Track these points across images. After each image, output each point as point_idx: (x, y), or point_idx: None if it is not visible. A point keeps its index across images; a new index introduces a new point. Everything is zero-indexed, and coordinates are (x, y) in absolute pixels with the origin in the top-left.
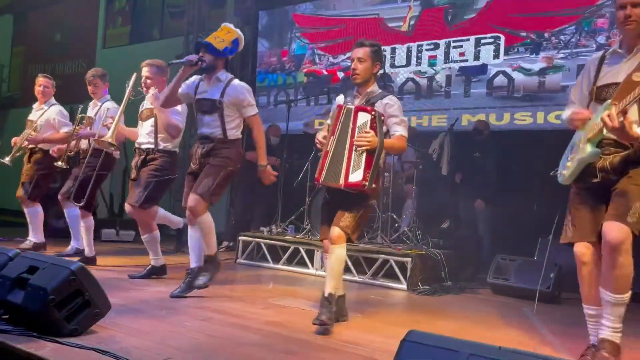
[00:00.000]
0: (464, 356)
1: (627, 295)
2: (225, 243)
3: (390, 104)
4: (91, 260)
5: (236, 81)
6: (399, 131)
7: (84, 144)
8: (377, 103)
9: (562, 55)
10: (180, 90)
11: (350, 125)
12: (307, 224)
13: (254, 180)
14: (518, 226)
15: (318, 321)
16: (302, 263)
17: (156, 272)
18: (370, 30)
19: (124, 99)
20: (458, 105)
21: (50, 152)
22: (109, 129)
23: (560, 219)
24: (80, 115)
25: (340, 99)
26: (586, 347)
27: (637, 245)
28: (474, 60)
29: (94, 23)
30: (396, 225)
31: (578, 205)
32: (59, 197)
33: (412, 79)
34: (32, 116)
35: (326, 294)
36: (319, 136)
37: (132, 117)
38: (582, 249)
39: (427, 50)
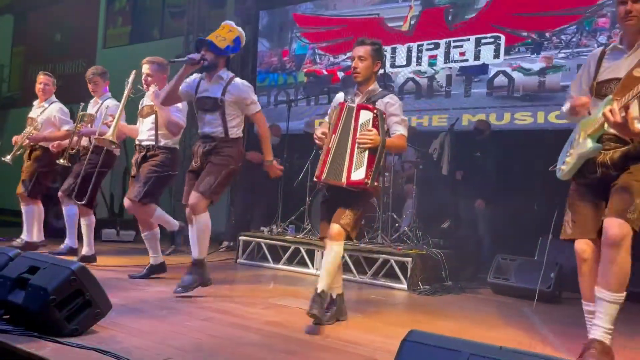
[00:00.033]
0: (464, 356)
1: (623, 296)
2: (225, 243)
3: (391, 103)
4: (91, 259)
5: (237, 79)
6: (400, 130)
7: (85, 141)
8: (378, 102)
9: (563, 55)
10: (180, 88)
11: (352, 123)
12: (308, 224)
13: (254, 180)
14: (518, 226)
15: (310, 313)
16: (302, 263)
17: (156, 271)
18: (370, 30)
19: (124, 97)
20: (458, 105)
21: (50, 148)
22: (109, 127)
23: (559, 217)
24: (81, 113)
25: (340, 96)
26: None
27: (634, 244)
28: (474, 60)
29: (94, 23)
30: (396, 225)
31: (577, 202)
32: (60, 194)
33: (413, 79)
34: (33, 114)
35: (319, 290)
36: (318, 132)
37: (132, 114)
38: (583, 246)
39: (427, 50)
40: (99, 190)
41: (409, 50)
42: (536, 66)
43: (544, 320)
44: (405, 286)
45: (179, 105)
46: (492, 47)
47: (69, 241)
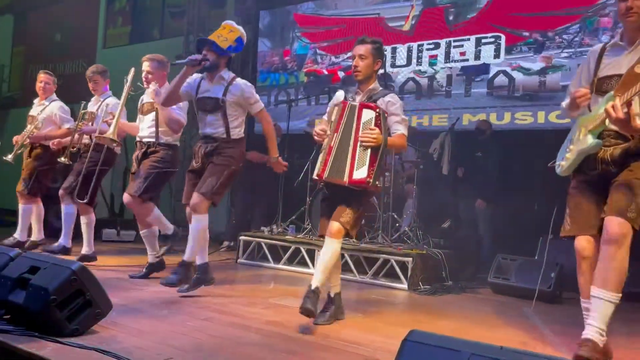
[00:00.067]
0: (465, 356)
1: (619, 296)
2: (226, 243)
3: (392, 102)
4: (91, 258)
5: (239, 80)
6: (400, 130)
7: (86, 139)
8: (379, 100)
9: (565, 55)
10: (181, 88)
11: (355, 121)
12: (308, 224)
13: (254, 180)
14: (519, 226)
15: (303, 307)
16: (303, 263)
17: (155, 269)
18: (370, 29)
19: (123, 95)
20: (459, 104)
21: (50, 146)
22: (109, 125)
23: (558, 216)
24: (82, 111)
25: (340, 94)
26: None
27: (635, 245)
28: (475, 60)
29: (95, 23)
30: (397, 225)
31: (577, 198)
32: (60, 192)
33: (413, 79)
34: (33, 112)
35: (313, 287)
36: (317, 129)
37: (133, 111)
38: (583, 244)
39: (427, 49)
40: (99, 189)
41: (409, 50)
42: (536, 66)
43: (545, 320)
44: (405, 286)
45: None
46: (493, 46)
47: (63, 240)
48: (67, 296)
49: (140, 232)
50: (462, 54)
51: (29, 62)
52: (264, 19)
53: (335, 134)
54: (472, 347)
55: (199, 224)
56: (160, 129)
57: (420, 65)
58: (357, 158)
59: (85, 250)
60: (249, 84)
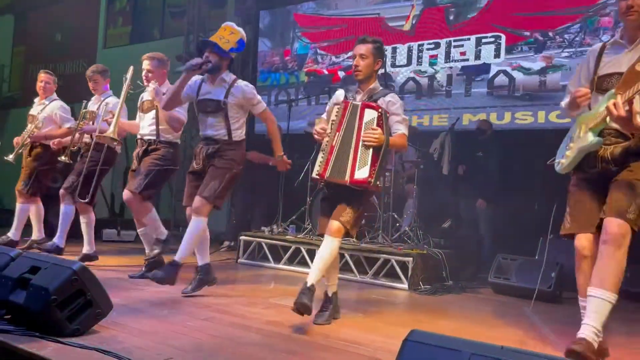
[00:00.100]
0: (466, 356)
1: (616, 297)
2: (226, 243)
3: (392, 102)
4: (92, 257)
5: (240, 81)
6: (401, 130)
7: (87, 138)
8: (380, 100)
9: (566, 54)
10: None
11: (357, 121)
12: (308, 224)
13: (255, 180)
14: (519, 226)
15: (299, 303)
16: (303, 263)
17: (153, 267)
18: (371, 29)
19: (123, 93)
20: (459, 104)
21: (51, 145)
22: (109, 124)
23: (557, 215)
24: (84, 111)
25: (339, 93)
26: None
27: (635, 245)
28: (475, 59)
29: (95, 23)
30: (397, 224)
31: (577, 196)
32: (61, 191)
33: (413, 79)
34: (34, 111)
35: (309, 284)
36: (317, 127)
37: (132, 110)
38: (583, 243)
39: (427, 49)
40: (99, 189)
41: (410, 50)
42: (536, 65)
43: (545, 320)
44: (406, 286)
45: None
46: (493, 46)
47: (57, 240)
48: (67, 296)
49: (138, 231)
50: (463, 53)
51: (30, 62)
52: (264, 19)
53: (337, 133)
54: (473, 346)
55: (197, 225)
56: (160, 127)
57: (421, 65)
58: (358, 158)
59: (86, 249)
60: (250, 85)
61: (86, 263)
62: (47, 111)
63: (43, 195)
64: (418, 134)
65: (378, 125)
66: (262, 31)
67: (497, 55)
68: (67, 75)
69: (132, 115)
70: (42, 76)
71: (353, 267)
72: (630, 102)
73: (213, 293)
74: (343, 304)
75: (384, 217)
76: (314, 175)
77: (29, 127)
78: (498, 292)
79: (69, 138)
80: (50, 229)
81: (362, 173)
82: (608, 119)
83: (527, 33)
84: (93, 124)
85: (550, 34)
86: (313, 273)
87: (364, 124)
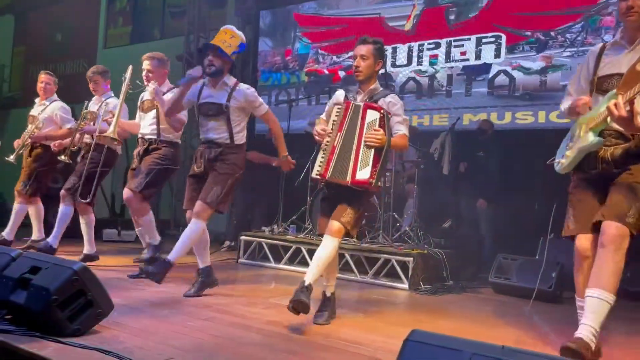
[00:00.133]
0: (467, 355)
1: (614, 298)
2: (227, 243)
3: (393, 103)
4: (93, 257)
5: (242, 85)
6: (402, 130)
7: (87, 138)
8: (380, 101)
9: (568, 54)
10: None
11: (359, 122)
12: (309, 224)
13: (255, 180)
14: (519, 225)
15: (296, 301)
16: (303, 263)
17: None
18: (371, 29)
19: (122, 93)
20: (459, 104)
21: (52, 147)
22: (109, 124)
23: (557, 214)
24: (84, 111)
25: (340, 93)
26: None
27: (636, 246)
28: (475, 59)
29: (95, 23)
30: (398, 224)
31: (579, 196)
32: (62, 192)
33: (413, 78)
34: (34, 111)
35: (306, 283)
36: (318, 128)
37: (132, 109)
38: (585, 244)
39: (428, 49)
40: (99, 189)
41: (410, 50)
42: (536, 65)
43: (545, 320)
44: (406, 286)
45: None
46: (493, 46)
47: (51, 240)
48: (68, 296)
49: (136, 230)
50: (463, 53)
51: (30, 62)
52: (265, 19)
53: (339, 133)
54: (474, 346)
55: (195, 228)
56: (161, 127)
57: (421, 64)
58: (360, 158)
59: (87, 249)
60: (251, 87)
61: (87, 263)
62: (47, 112)
63: (43, 195)
64: (418, 134)
65: (380, 126)
66: (263, 30)
67: (497, 55)
68: (68, 76)
69: (132, 115)
70: (43, 77)
71: (353, 267)
72: (631, 102)
73: (213, 293)
74: (343, 304)
75: (384, 217)
76: (314, 175)
77: (30, 127)
78: (498, 292)
79: (69, 139)
80: (50, 229)
81: (364, 174)
82: (609, 119)
83: (528, 33)
84: (94, 124)
85: (552, 33)
86: (311, 272)
87: (366, 125)
